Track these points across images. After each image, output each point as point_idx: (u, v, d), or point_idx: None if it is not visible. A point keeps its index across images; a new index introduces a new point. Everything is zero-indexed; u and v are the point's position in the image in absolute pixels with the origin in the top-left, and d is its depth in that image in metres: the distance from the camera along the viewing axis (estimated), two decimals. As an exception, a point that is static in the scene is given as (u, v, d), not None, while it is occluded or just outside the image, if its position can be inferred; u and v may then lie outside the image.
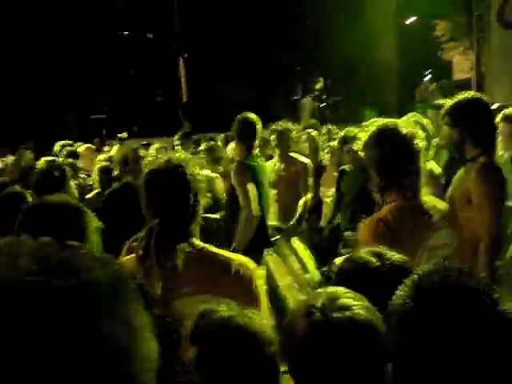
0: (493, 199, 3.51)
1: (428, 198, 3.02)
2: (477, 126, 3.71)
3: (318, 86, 17.07)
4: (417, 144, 2.88)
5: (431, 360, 1.25)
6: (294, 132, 6.50)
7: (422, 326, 1.25)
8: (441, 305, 1.25)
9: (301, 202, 6.17)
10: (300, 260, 5.44)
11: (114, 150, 9.05)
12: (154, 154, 6.92)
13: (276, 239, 5.58)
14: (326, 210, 6.50)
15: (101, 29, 17.50)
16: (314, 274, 5.28)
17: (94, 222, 2.44)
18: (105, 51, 17.51)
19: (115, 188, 5.70)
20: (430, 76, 14.43)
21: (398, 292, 1.33)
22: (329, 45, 15.07)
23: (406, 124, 3.13)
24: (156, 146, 8.16)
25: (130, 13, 17.89)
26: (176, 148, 8.44)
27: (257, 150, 5.33)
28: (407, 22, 16.62)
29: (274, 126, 6.33)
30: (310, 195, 6.31)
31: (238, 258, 2.44)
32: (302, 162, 6.30)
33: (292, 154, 6.37)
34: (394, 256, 1.96)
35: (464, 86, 13.44)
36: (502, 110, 5.78)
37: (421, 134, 3.01)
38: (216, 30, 17.41)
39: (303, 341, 1.42)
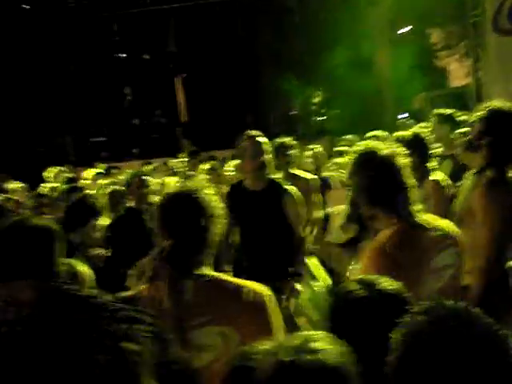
0: (493, 218, 3.39)
1: (427, 216, 2.89)
2: (503, 138, 3.61)
3: (316, 100, 17.13)
4: (399, 162, 2.79)
5: None
6: (294, 148, 6.24)
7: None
8: (435, 362, 1.18)
9: (312, 219, 5.97)
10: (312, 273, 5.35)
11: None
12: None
13: None
14: (335, 225, 6.47)
15: (97, 52, 17.59)
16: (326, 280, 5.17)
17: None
18: (102, 74, 17.57)
19: (120, 214, 5.70)
20: (407, 115, 14.48)
21: (391, 343, 1.29)
22: (325, 59, 15.13)
23: (386, 143, 3.06)
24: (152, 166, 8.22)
25: (126, 35, 17.97)
26: (181, 168, 8.47)
27: None
28: (401, 32, 16.73)
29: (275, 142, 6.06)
30: (319, 212, 6.05)
31: (250, 285, 2.42)
32: (306, 179, 6.10)
33: (295, 171, 6.14)
34: (385, 284, 1.94)
35: (459, 94, 13.50)
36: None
37: (401, 149, 2.89)
38: (211, 48, 17.49)
39: (268, 380, 1.40)
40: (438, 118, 6.08)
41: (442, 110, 6.09)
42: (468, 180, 3.81)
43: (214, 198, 2.44)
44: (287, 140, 6.08)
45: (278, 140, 6.03)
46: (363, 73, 15.21)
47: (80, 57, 17.44)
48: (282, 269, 4.73)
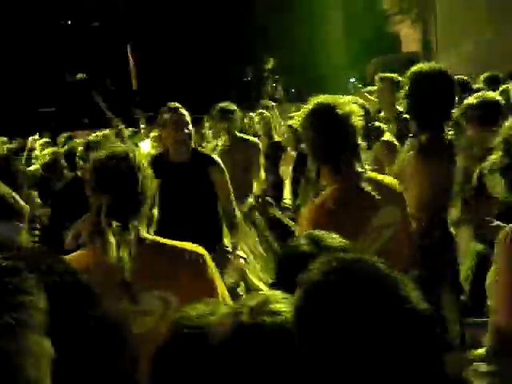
0: (419, 184, 3.36)
1: (373, 175, 2.90)
2: (422, 99, 3.60)
3: (269, 66, 17.01)
4: (353, 123, 2.70)
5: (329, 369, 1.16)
6: (236, 112, 6.29)
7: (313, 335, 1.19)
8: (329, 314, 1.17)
9: (256, 183, 6.07)
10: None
11: None
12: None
13: None
14: (287, 191, 6.47)
15: (44, 19, 17.03)
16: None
17: None
18: (49, 42, 17.05)
19: (65, 182, 5.56)
20: (354, 79, 14.59)
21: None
22: (277, 24, 14.99)
23: (347, 101, 2.97)
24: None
25: (74, 2, 17.44)
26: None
27: None
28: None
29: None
30: (263, 175, 6.20)
31: (188, 247, 2.39)
32: (255, 142, 6.17)
33: (241, 135, 6.22)
34: (334, 241, 1.91)
35: (410, 59, 13.58)
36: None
37: (358, 111, 2.86)
38: (163, 14, 17.14)
39: (227, 342, 1.35)
40: (380, 82, 6.09)
41: (384, 74, 6.09)
42: (408, 143, 3.84)
43: (143, 160, 2.40)
44: (228, 104, 6.08)
45: (220, 104, 6.02)
46: (315, 38, 15.15)
47: (27, 26, 16.88)
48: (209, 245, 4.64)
